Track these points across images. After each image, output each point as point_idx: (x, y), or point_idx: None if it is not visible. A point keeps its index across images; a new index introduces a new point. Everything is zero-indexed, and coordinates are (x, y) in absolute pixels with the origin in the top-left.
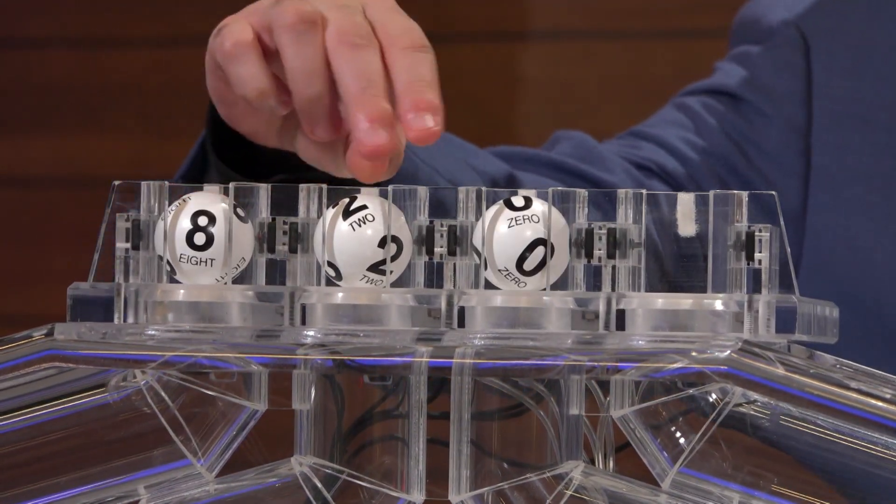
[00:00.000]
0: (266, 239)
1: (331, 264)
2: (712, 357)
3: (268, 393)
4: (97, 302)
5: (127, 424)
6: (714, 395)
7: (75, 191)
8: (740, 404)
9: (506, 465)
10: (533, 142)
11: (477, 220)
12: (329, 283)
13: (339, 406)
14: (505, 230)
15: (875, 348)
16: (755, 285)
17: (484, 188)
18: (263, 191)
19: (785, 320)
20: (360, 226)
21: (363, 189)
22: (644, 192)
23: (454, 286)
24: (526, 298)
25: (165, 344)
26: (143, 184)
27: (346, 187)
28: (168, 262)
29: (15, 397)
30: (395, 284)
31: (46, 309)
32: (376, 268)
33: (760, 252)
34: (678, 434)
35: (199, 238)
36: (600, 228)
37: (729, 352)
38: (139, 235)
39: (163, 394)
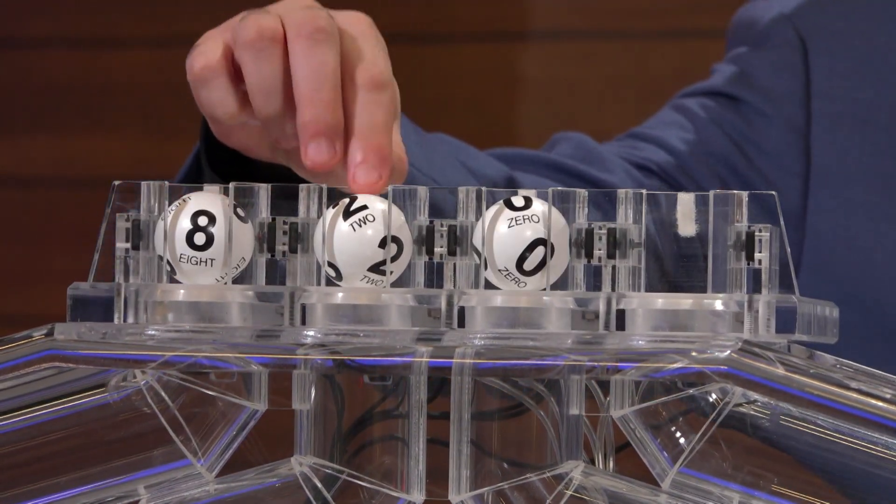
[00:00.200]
0: (266, 239)
1: (331, 264)
2: (712, 357)
3: (268, 393)
4: (97, 302)
5: (127, 424)
6: (714, 395)
7: (75, 191)
8: (740, 404)
9: (506, 465)
10: (533, 142)
11: (477, 220)
12: (329, 283)
13: (339, 406)
14: (505, 230)
15: (875, 348)
16: (755, 285)
17: (484, 188)
18: (263, 191)
19: (785, 320)
20: (360, 226)
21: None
22: (644, 192)
23: (454, 286)
24: (526, 298)
25: (165, 344)
26: (143, 184)
27: (345, 190)
28: (168, 262)
29: (15, 397)
30: (395, 284)
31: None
32: (377, 268)
33: (760, 252)
34: (678, 434)
35: (199, 238)
36: (600, 228)
37: (729, 352)
38: (139, 235)
39: (163, 394)
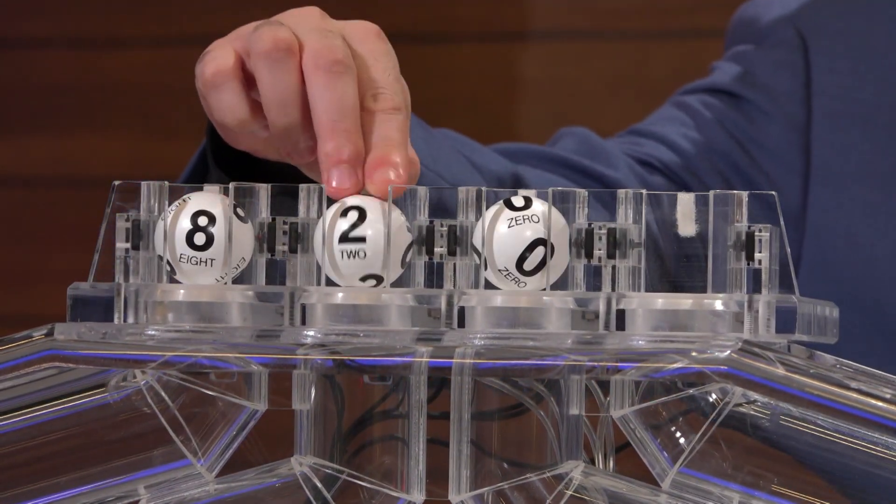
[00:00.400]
0: (266, 239)
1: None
2: (712, 357)
3: (268, 393)
4: (97, 302)
5: (127, 424)
6: (714, 395)
7: (75, 191)
8: (740, 404)
9: (506, 465)
10: (532, 141)
11: (477, 220)
12: (329, 283)
13: (339, 406)
14: (505, 230)
15: (876, 347)
16: (755, 285)
17: (484, 188)
18: (263, 191)
19: (785, 320)
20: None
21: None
22: (644, 192)
23: (454, 286)
24: (526, 298)
25: (165, 344)
26: (143, 184)
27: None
28: (168, 262)
29: (15, 397)
30: (395, 284)
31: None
32: (346, 237)
33: (760, 252)
34: (678, 434)
35: (199, 238)
36: (600, 228)
37: (729, 352)
38: (139, 235)
39: (163, 394)
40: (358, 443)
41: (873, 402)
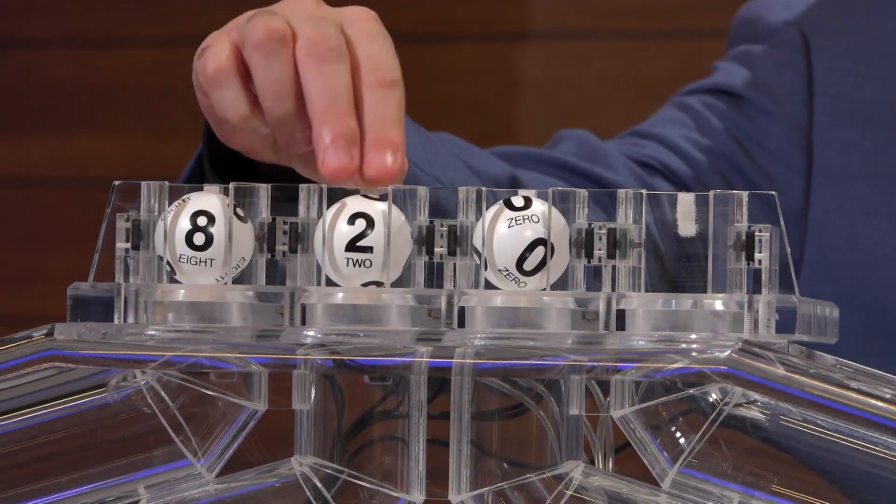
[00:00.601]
0: (266, 239)
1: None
2: (712, 357)
3: (268, 393)
4: (97, 302)
5: (127, 424)
6: (714, 395)
7: (75, 191)
8: (740, 404)
9: (506, 465)
10: (532, 142)
11: (477, 220)
12: (329, 282)
13: (339, 406)
14: (505, 230)
15: (877, 346)
16: (755, 285)
17: (484, 188)
18: (263, 191)
19: (785, 320)
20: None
21: (362, 189)
22: (644, 192)
23: (454, 286)
24: (526, 298)
25: (165, 344)
26: (143, 184)
27: (349, 188)
28: (168, 262)
29: (15, 397)
30: (395, 285)
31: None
32: (354, 246)
33: (760, 252)
34: (678, 434)
35: (199, 238)
36: (600, 228)
37: (729, 352)
38: (139, 235)
39: (163, 394)
40: (358, 443)
41: (873, 402)
